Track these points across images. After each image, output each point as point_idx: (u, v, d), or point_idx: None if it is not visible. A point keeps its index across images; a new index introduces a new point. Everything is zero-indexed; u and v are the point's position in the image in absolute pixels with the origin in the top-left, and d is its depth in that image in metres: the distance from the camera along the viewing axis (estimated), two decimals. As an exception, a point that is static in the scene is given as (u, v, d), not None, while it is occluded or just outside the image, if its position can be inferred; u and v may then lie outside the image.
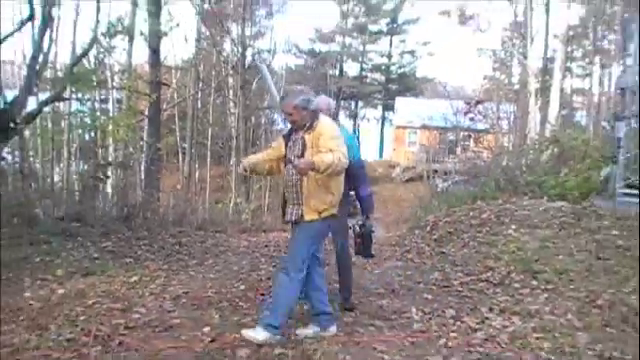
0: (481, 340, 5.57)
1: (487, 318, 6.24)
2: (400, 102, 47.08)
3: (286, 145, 5.27)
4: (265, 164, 5.53)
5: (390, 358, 5.01)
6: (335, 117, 5.98)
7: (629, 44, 12.08)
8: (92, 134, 16.13)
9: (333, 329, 5.52)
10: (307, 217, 5.08)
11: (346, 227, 6.34)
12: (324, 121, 5.18)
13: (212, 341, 5.27)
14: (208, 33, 27.71)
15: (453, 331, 5.85)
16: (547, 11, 26.44)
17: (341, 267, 6.37)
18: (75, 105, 15.81)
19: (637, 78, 11.81)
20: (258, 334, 5.06)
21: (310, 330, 5.47)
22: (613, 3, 26.40)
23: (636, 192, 11.40)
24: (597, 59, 31.76)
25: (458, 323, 6.09)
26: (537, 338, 5.58)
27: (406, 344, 5.45)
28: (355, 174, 5.89)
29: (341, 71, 54.90)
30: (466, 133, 26.52)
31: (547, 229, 9.63)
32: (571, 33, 27.44)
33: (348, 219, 6.36)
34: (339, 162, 4.86)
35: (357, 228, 6.35)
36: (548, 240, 9.05)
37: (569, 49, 28.19)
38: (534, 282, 7.44)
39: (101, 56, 16.03)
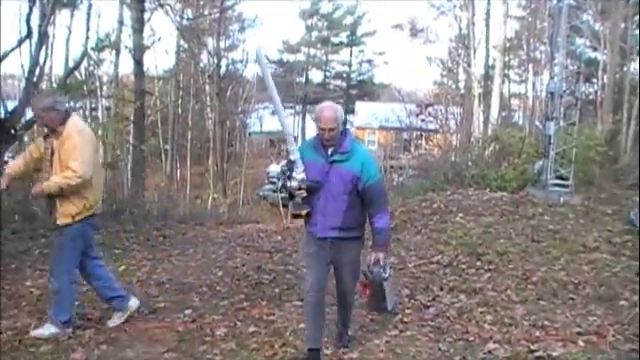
0: (432, 315, 5.65)
1: (438, 296, 6.31)
2: (360, 106, 47.07)
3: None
4: (29, 166, 4.92)
5: (352, 333, 5.03)
6: (345, 125, 4.48)
7: (556, 55, 12.27)
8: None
9: (133, 302, 5.21)
10: (60, 221, 4.67)
11: (357, 262, 4.55)
12: (70, 126, 4.61)
13: (193, 322, 5.27)
14: (187, 46, 27.49)
15: (408, 308, 5.91)
16: (487, 25, 26.75)
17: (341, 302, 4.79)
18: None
19: (563, 84, 12.04)
20: (47, 330, 4.82)
21: (115, 319, 5.13)
22: (542, 20, 26.76)
23: (564, 182, 11.59)
24: (530, 67, 32.11)
25: (412, 301, 6.15)
26: (481, 312, 5.65)
27: (367, 321, 5.50)
28: (371, 200, 4.32)
29: (307, 79, 54.73)
30: (418, 133, 26.63)
31: (490, 216, 9.74)
32: (508, 45, 27.68)
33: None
34: (69, 183, 4.46)
35: (365, 274, 4.61)
36: (490, 226, 9.15)
37: (507, 58, 28.40)
38: (478, 263, 7.51)
39: (91, 68, 15.94)
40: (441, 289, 6.55)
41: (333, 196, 4.24)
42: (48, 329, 4.82)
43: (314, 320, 4.42)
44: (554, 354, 4.53)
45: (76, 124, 4.72)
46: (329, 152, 4.27)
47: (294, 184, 4.17)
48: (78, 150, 4.51)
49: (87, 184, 4.64)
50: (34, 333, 4.79)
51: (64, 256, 4.79)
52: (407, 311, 5.79)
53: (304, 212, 4.33)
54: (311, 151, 4.33)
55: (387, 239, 4.59)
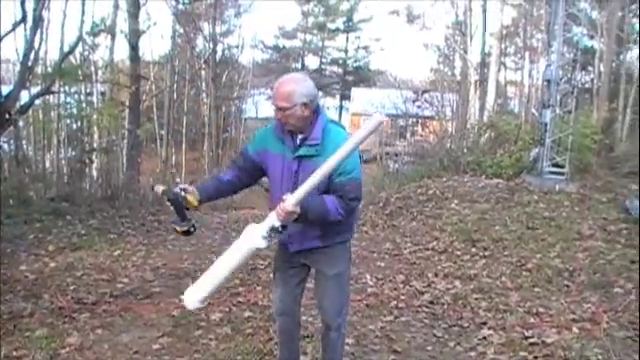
0: (427, 301, 5.66)
1: (433, 282, 6.33)
2: (356, 92, 46.91)
3: None
4: None
5: (348, 319, 5.05)
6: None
7: (552, 42, 12.27)
8: (79, 123, 15.88)
9: None
10: None
11: (344, 276, 3.48)
12: None
13: (188, 306, 5.27)
14: (182, 31, 27.34)
15: (403, 294, 5.92)
16: (484, 12, 26.48)
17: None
18: (63, 97, 15.55)
19: (559, 72, 12.05)
20: None
21: None
22: (539, 7, 26.68)
23: (560, 170, 11.59)
24: (527, 55, 32.03)
25: (407, 287, 6.17)
26: (476, 298, 5.68)
27: (362, 306, 5.51)
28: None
29: (303, 65, 54.59)
30: (414, 119, 26.52)
31: (485, 203, 9.76)
32: (505, 32, 27.62)
33: None
34: None
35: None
36: (486, 212, 9.18)
37: (503, 46, 28.35)
38: (473, 249, 7.55)
39: (86, 53, 15.82)
40: (436, 275, 6.58)
41: None
42: None
43: (286, 346, 3.70)
44: (548, 340, 4.55)
45: None
46: (297, 142, 3.16)
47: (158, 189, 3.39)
48: None
49: None
50: None
51: None
52: (402, 297, 5.80)
53: (179, 229, 3.39)
54: (272, 140, 3.24)
55: (312, 213, 3.02)
